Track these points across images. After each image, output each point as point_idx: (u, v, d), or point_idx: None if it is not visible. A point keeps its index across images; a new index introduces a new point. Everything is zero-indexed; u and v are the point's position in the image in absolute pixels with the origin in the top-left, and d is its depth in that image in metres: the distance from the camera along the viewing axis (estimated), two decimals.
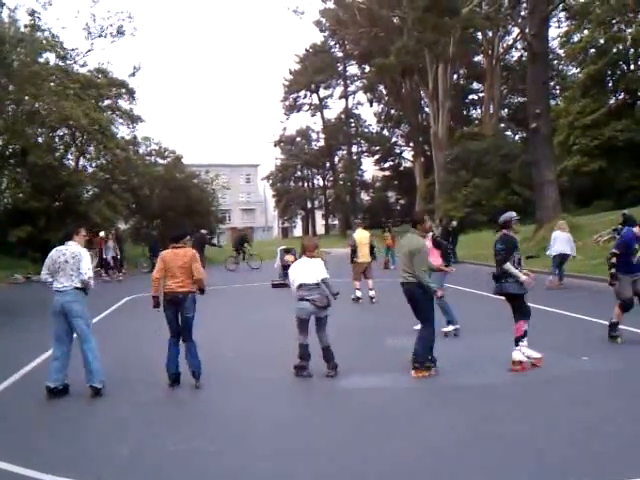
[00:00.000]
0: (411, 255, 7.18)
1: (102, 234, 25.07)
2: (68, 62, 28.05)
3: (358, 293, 14.00)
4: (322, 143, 76.22)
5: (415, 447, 4.99)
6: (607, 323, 8.69)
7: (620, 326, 8.56)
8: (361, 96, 72.61)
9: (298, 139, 78.08)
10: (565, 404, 5.93)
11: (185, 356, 7.13)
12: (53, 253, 6.92)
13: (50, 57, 26.73)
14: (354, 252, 13.96)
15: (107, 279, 23.00)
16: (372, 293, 13.85)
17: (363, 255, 13.98)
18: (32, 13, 24.63)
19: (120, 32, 28.94)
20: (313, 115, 75.70)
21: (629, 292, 8.53)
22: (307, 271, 7.44)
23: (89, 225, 26.96)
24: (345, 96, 73.22)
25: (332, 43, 69.60)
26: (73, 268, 6.75)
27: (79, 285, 6.76)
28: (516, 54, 56.69)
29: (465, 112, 65.86)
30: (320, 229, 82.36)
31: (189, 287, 7.15)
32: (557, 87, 52.62)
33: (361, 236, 14.24)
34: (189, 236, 7.71)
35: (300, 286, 7.36)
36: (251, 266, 26.79)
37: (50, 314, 6.81)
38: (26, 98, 22.79)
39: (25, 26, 24.31)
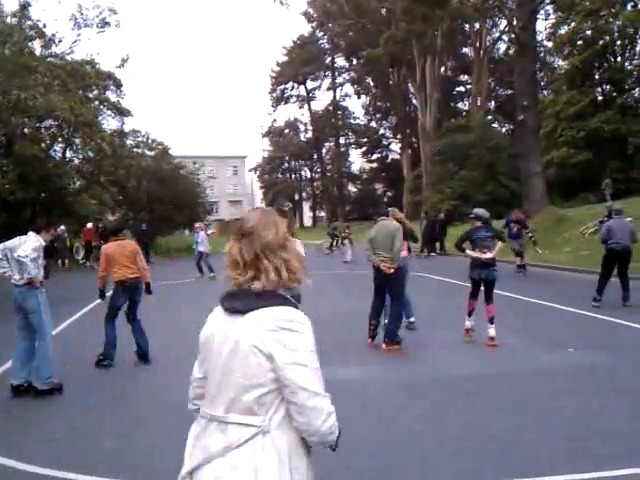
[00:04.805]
0: (392, 237, 7.84)
1: (90, 225, 24.93)
2: (54, 50, 27.75)
3: None
4: (310, 135, 76.12)
5: (402, 440, 4.99)
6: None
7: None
8: (349, 88, 72.79)
9: (286, 131, 77.86)
10: (553, 396, 5.97)
11: (133, 334, 7.80)
12: (15, 241, 6.48)
13: (35, 45, 26.48)
14: None
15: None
16: None
17: None
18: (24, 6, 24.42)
19: (106, 23, 28.63)
20: (301, 107, 75.59)
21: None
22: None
23: (76, 218, 26.96)
24: (333, 88, 73.13)
25: (320, 35, 69.41)
26: None
27: (26, 280, 6.30)
28: (503, 46, 56.86)
29: (453, 104, 65.84)
30: (308, 221, 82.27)
31: (138, 273, 7.72)
32: (544, 79, 52.74)
33: None
34: (126, 229, 8.27)
35: None
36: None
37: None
38: (14, 92, 22.50)
39: (14, 15, 24.10)
